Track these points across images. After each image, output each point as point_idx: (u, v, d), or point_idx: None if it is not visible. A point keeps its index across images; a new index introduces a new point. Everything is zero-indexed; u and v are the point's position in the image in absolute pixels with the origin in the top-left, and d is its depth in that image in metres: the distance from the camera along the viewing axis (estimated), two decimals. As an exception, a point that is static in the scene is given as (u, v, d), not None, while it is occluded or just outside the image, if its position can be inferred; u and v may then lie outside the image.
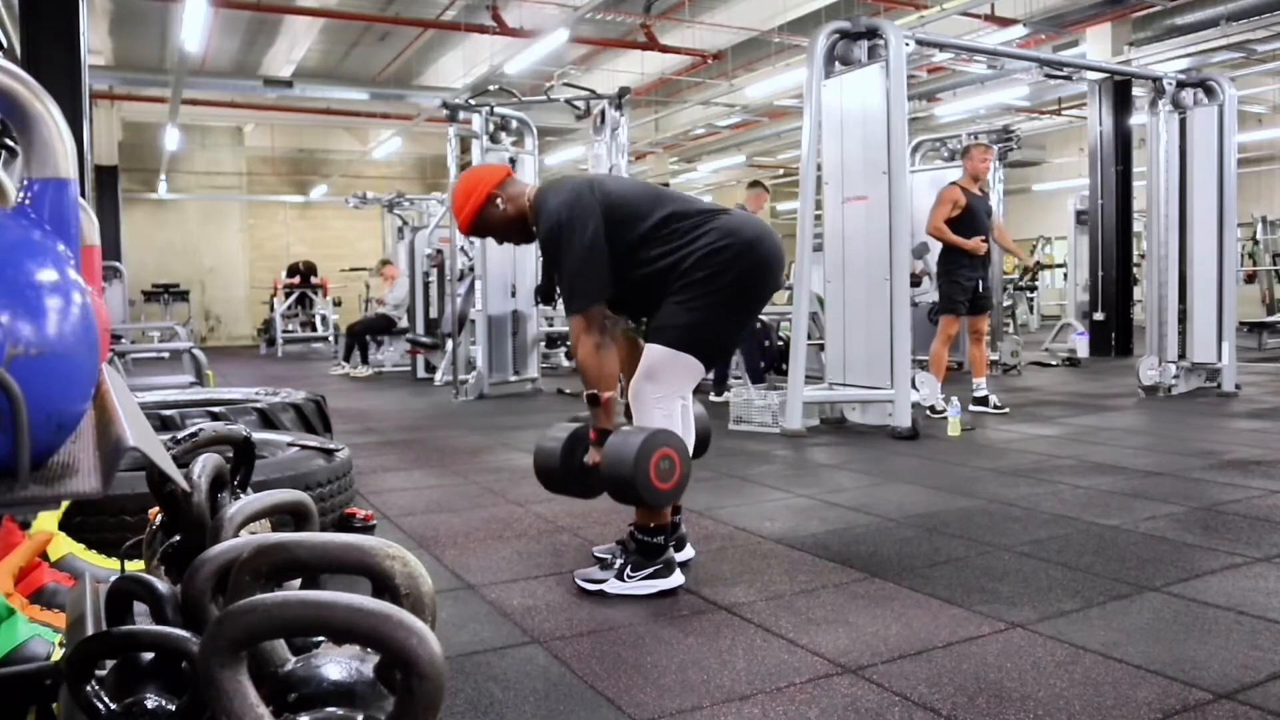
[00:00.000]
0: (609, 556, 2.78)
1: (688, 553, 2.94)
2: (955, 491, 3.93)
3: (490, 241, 8.31)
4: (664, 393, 2.66)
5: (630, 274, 2.62)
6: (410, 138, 17.76)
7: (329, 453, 3.16)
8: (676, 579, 2.66)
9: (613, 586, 2.64)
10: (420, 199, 13.18)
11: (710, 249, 2.58)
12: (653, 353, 2.64)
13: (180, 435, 1.34)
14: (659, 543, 2.66)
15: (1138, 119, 10.22)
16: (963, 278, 6.18)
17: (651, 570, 2.63)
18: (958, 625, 2.34)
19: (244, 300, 19.12)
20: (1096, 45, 11.55)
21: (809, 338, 5.94)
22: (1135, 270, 11.65)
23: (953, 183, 6.32)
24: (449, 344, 8.61)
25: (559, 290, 2.68)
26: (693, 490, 3.97)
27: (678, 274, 2.59)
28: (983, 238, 6.20)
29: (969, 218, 6.19)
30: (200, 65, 13.35)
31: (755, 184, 7.61)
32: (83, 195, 1.18)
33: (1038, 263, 16.78)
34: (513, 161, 8.11)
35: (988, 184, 6.63)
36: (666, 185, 20.80)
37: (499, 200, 2.71)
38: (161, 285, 17.12)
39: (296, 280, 15.83)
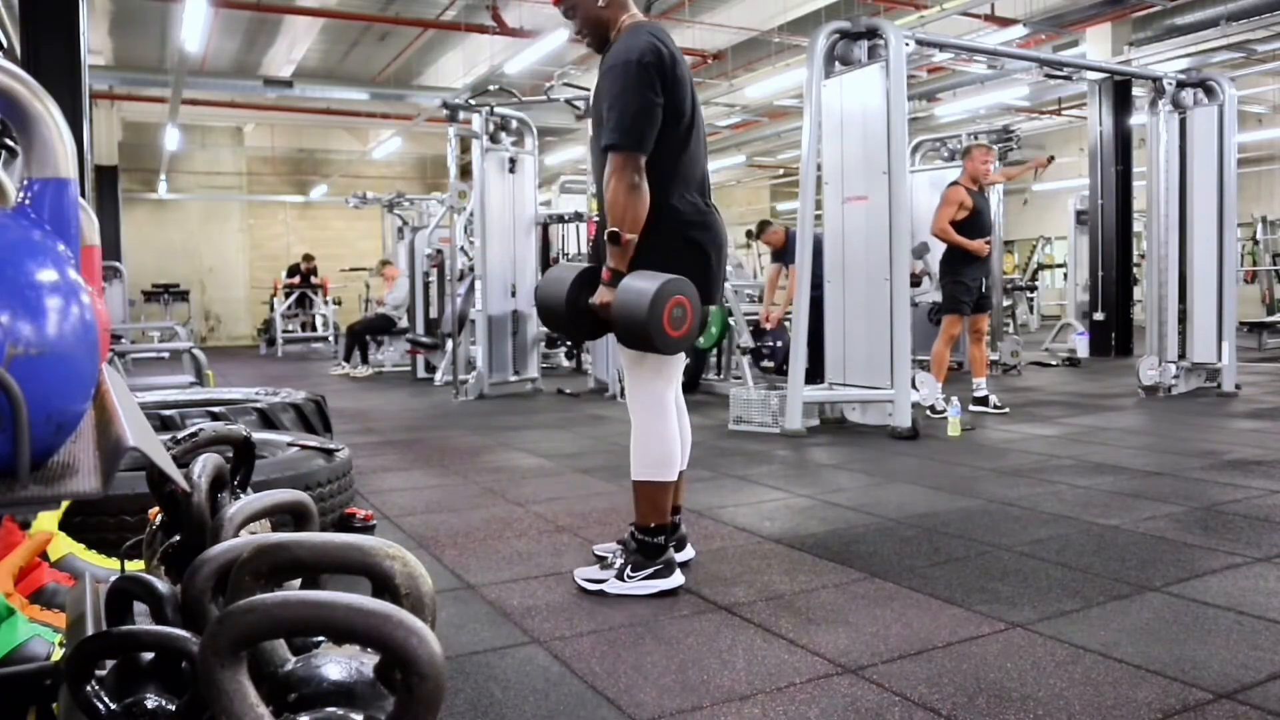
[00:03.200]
0: (609, 556, 2.78)
1: (688, 553, 2.94)
2: (955, 491, 3.93)
3: (490, 241, 8.30)
4: (653, 386, 2.68)
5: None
6: (410, 138, 17.76)
7: (329, 453, 3.16)
8: (677, 579, 2.66)
9: (613, 586, 2.64)
10: (420, 199, 13.17)
11: (680, 227, 2.60)
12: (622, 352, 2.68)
13: (180, 435, 1.34)
14: (659, 542, 2.66)
15: (1138, 119, 10.22)
16: (968, 277, 6.18)
17: (652, 570, 2.63)
18: (958, 625, 2.34)
19: (244, 300, 19.11)
20: (1096, 45, 11.55)
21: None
22: (1135, 270, 11.65)
23: (955, 182, 6.31)
24: (449, 344, 8.61)
25: (604, 127, 2.55)
26: (693, 490, 3.97)
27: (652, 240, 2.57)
28: (986, 239, 6.21)
29: (975, 219, 6.19)
30: (200, 65, 13.35)
31: (764, 223, 8.13)
32: (83, 195, 1.18)
33: (1027, 278, 16.95)
34: (513, 161, 8.12)
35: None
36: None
37: None
38: (161, 285, 17.11)
39: (297, 280, 15.83)
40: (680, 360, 2.75)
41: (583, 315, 2.64)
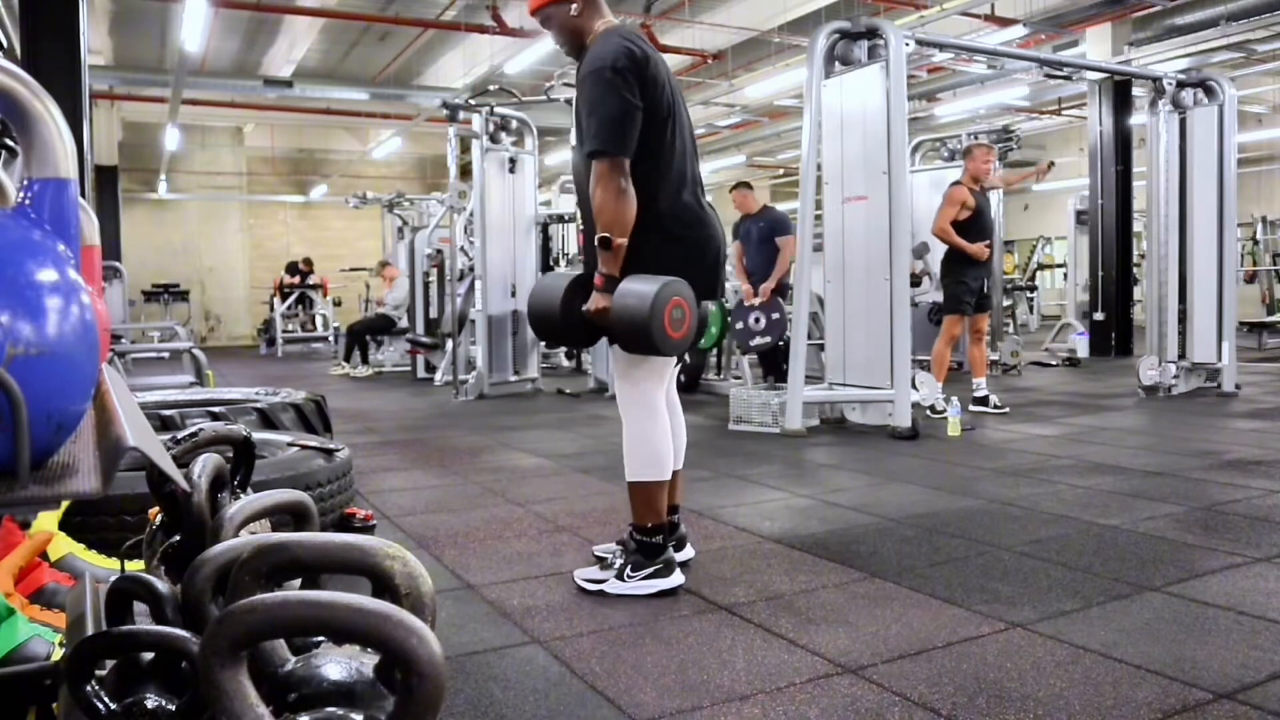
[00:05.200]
0: (609, 556, 2.78)
1: (688, 552, 2.94)
2: (955, 491, 3.93)
3: (490, 242, 8.30)
4: (643, 387, 2.69)
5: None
6: (410, 138, 17.75)
7: (329, 453, 3.16)
8: (676, 579, 2.66)
9: (613, 586, 2.64)
10: (420, 199, 13.18)
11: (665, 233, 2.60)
12: (614, 354, 2.69)
13: (180, 435, 1.34)
14: (658, 542, 2.66)
15: (1138, 119, 10.21)
16: (969, 278, 6.18)
17: (651, 570, 2.64)
18: (958, 625, 2.34)
19: (244, 300, 19.11)
20: (1096, 45, 11.55)
21: (809, 338, 5.94)
22: (1135, 270, 11.65)
23: (956, 182, 6.31)
24: (449, 344, 8.61)
25: (584, 135, 2.59)
26: (693, 490, 3.97)
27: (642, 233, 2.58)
28: (988, 242, 6.21)
29: (978, 219, 6.20)
30: (200, 65, 13.35)
31: (740, 185, 7.95)
32: (83, 195, 1.18)
33: (1027, 277, 16.97)
34: (513, 161, 8.12)
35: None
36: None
37: (575, 3, 2.69)
38: (161, 285, 17.11)
39: (296, 280, 15.83)
40: (670, 363, 2.75)
41: (576, 323, 2.65)
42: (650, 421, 2.68)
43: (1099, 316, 10.97)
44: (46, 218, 0.90)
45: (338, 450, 3.22)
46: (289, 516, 1.11)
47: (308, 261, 16.31)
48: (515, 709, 1.91)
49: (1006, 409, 6.30)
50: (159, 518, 1.24)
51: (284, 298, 15.41)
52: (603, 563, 2.77)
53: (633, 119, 2.53)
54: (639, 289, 2.48)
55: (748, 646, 2.23)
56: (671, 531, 2.79)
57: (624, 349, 2.62)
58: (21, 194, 0.92)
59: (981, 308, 6.36)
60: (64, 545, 2.13)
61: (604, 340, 2.77)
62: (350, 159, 20.01)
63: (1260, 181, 17.87)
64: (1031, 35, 10.90)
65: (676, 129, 2.68)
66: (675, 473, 2.82)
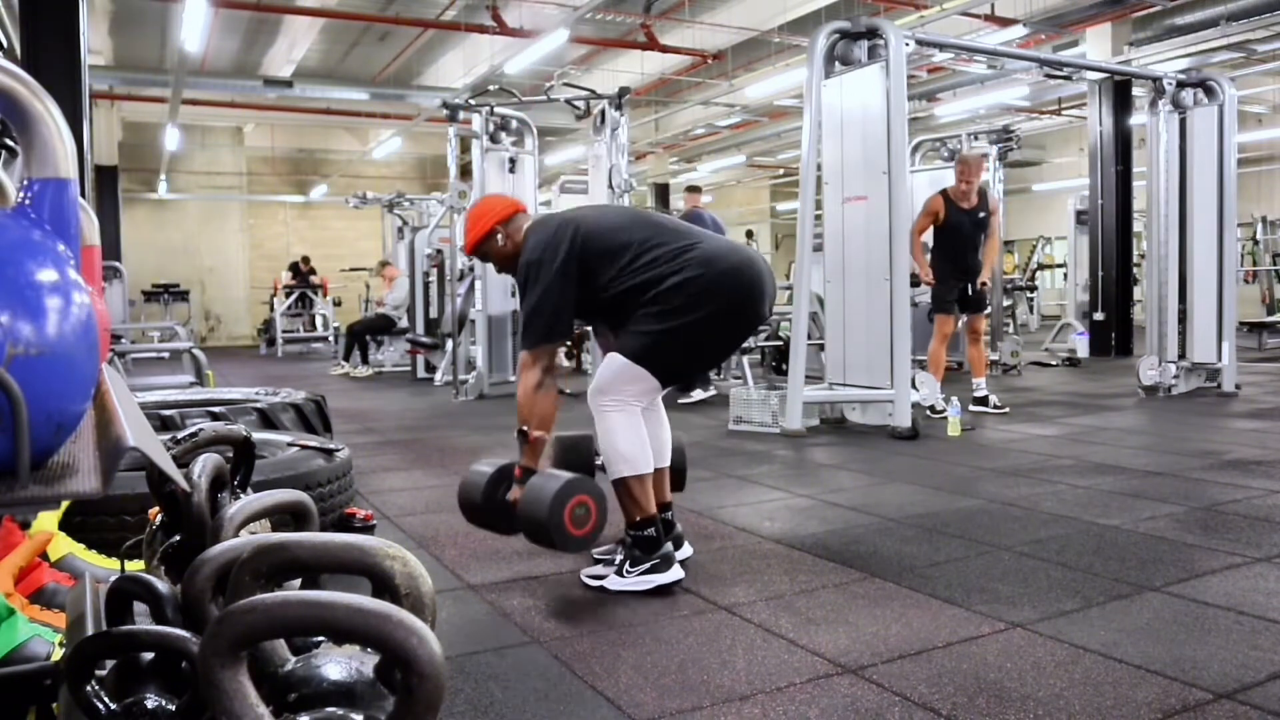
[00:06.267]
0: (609, 556, 2.79)
1: (685, 551, 2.94)
2: (955, 491, 3.93)
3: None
4: (617, 398, 2.70)
5: (611, 290, 2.66)
6: (410, 138, 17.76)
7: (329, 453, 3.16)
8: (676, 573, 2.67)
9: (613, 583, 2.65)
10: (420, 199, 13.17)
11: (684, 279, 2.60)
12: (611, 361, 2.71)
13: (180, 435, 1.34)
14: (652, 535, 2.66)
15: (1138, 119, 10.21)
16: (946, 279, 6.27)
17: (650, 565, 2.64)
18: (958, 625, 2.34)
19: (244, 300, 19.11)
20: (1096, 45, 11.55)
21: (809, 338, 5.94)
22: (1135, 270, 11.65)
23: (942, 190, 6.32)
24: (449, 344, 8.61)
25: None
26: (693, 490, 3.98)
27: (652, 295, 2.62)
28: (957, 265, 6.26)
29: (950, 231, 6.26)
30: (200, 65, 13.35)
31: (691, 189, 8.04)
32: (83, 195, 1.18)
33: (1027, 277, 16.92)
34: (513, 161, 8.11)
35: (989, 193, 6.46)
36: (665, 185, 20.83)
37: (499, 236, 2.84)
38: (161, 285, 17.11)
39: (295, 280, 15.83)
40: (655, 388, 2.76)
41: (499, 511, 2.71)
42: (621, 415, 2.69)
43: (1099, 316, 10.96)
44: (46, 218, 0.90)
45: (338, 450, 3.22)
46: (289, 516, 1.11)
47: (305, 260, 16.33)
48: (515, 709, 1.91)
49: (1006, 409, 6.30)
50: (159, 518, 1.25)
51: (284, 297, 15.43)
52: (604, 563, 2.78)
53: (552, 302, 2.64)
54: (542, 485, 2.52)
55: (748, 646, 2.23)
56: (667, 530, 2.79)
57: (531, 541, 2.65)
58: (21, 194, 0.92)
59: (978, 308, 6.36)
60: (64, 545, 2.14)
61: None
62: (350, 159, 20.01)
63: (1260, 181, 17.87)
64: (1031, 35, 10.90)
65: (622, 233, 2.72)
66: (661, 470, 2.84)
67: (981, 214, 6.30)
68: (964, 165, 6.26)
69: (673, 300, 2.60)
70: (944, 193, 6.27)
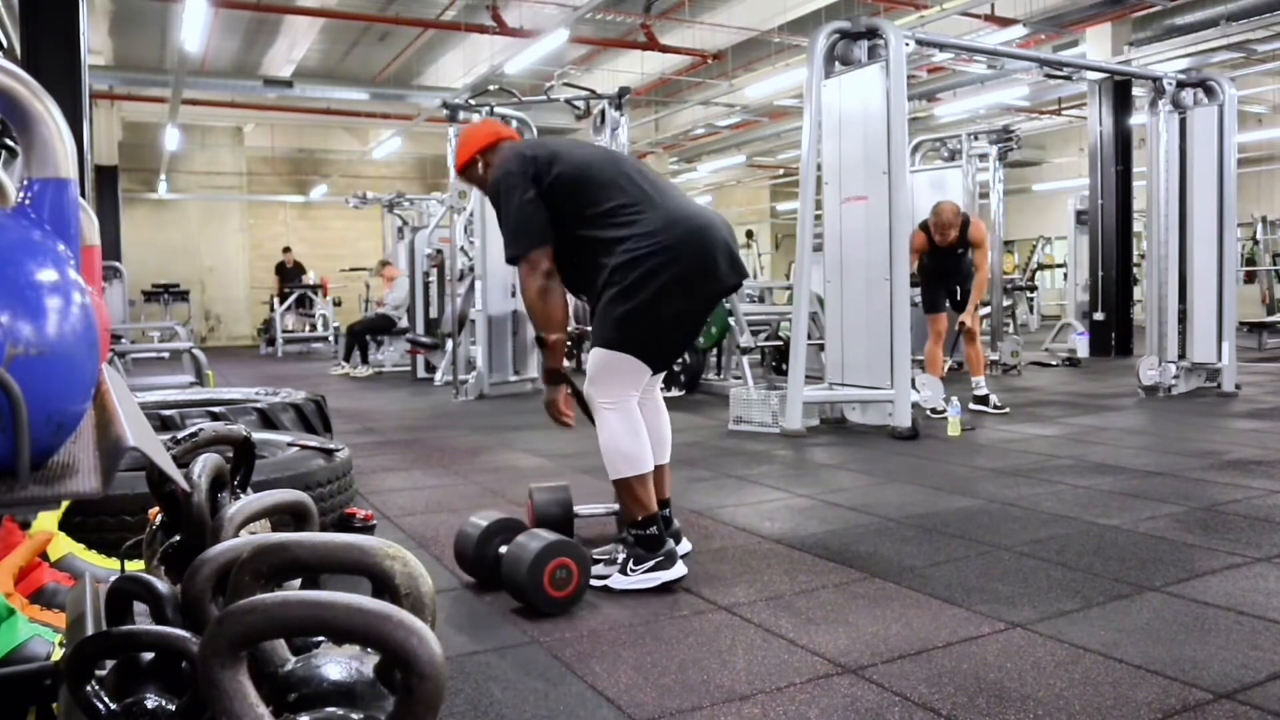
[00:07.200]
0: (609, 556, 2.78)
1: (685, 546, 2.94)
2: (955, 491, 3.93)
3: (490, 241, 8.32)
4: (612, 395, 2.70)
5: (576, 231, 2.69)
6: (410, 138, 17.75)
7: (329, 453, 3.16)
8: (679, 570, 2.67)
9: (616, 582, 2.66)
10: (420, 199, 13.18)
11: (638, 254, 2.60)
12: (593, 356, 2.72)
13: (180, 435, 1.34)
14: (654, 533, 2.66)
15: (1138, 119, 10.21)
16: (931, 285, 6.43)
17: (653, 563, 2.65)
18: (958, 625, 2.34)
19: (244, 300, 19.11)
20: (1096, 45, 11.56)
21: (809, 338, 5.94)
22: (1135, 270, 11.65)
23: (922, 223, 6.34)
24: (449, 344, 8.61)
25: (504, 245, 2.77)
26: (693, 490, 3.98)
27: (610, 268, 2.63)
28: (946, 287, 6.40)
29: (933, 262, 6.36)
30: (200, 65, 13.36)
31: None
32: (83, 195, 1.18)
33: (1027, 278, 16.94)
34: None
35: (971, 226, 6.32)
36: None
37: (480, 163, 2.89)
38: (161, 285, 17.10)
39: (284, 283, 15.81)
40: (645, 373, 2.76)
41: (490, 564, 2.70)
42: (621, 414, 2.70)
43: (1099, 316, 10.96)
44: (46, 218, 0.91)
45: (338, 450, 3.22)
46: (289, 516, 1.11)
47: (286, 250, 16.16)
48: (515, 709, 1.91)
49: (1006, 409, 6.30)
50: (159, 518, 1.25)
51: (284, 298, 15.42)
52: (605, 563, 2.78)
53: (533, 215, 2.66)
54: (524, 547, 2.51)
55: (748, 646, 2.23)
56: (665, 526, 2.80)
57: (515, 599, 2.59)
58: (21, 194, 0.92)
59: (960, 307, 6.43)
60: (64, 545, 2.14)
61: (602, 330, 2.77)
62: (350, 159, 20.01)
63: (1260, 181, 17.87)
64: (1031, 35, 10.90)
65: (611, 172, 2.73)
66: (661, 467, 2.84)
67: (961, 250, 6.30)
68: (935, 218, 6.24)
69: (628, 275, 2.60)
70: (924, 226, 6.31)
